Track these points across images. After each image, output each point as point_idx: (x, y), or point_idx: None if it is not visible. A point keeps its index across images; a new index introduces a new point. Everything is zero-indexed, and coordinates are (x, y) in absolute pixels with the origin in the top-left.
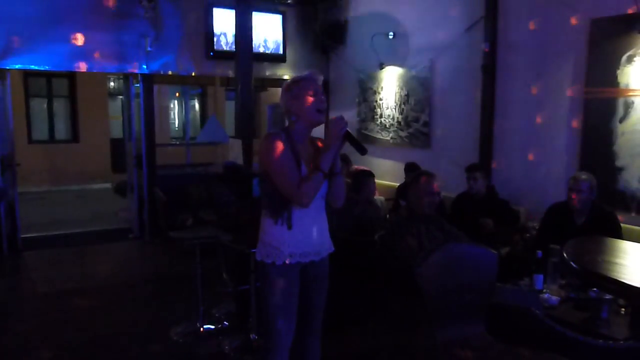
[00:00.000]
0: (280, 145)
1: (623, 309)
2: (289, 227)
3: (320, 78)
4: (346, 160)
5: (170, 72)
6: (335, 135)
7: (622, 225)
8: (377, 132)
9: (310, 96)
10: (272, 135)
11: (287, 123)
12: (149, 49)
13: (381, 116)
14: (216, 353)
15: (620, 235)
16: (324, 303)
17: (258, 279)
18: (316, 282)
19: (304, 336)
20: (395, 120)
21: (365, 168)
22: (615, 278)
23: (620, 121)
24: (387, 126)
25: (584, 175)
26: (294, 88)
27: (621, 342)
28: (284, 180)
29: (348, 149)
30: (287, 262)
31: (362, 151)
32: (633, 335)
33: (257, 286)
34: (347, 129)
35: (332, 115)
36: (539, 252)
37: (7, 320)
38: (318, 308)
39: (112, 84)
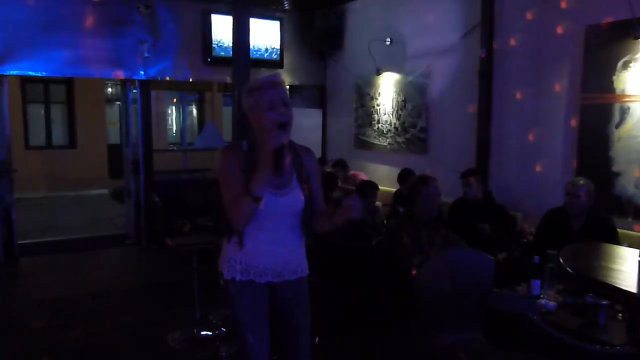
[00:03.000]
0: (228, 158)
1: (620, 315)
2: (240, 246)
3: (279, 81)
4: (343, 165)
5: (167, 78)
6: (270, 153)
7: (618, 230)
8: (375, 137)
9: (267, 110)
10: (226, 147)
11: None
12: (146, 54)
13: (378, 122)
14: (213, 359)
15: (617, 240)
16: (307, 324)
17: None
18: (291, 306)
19: (290, 355)
20: (393, 125)
21: (361, 173)
22: (612, 284)
23: (617, 127)
24: (385, 132)
25: (581, 181)
26: (250, 99)
27: (618, 347)
28: (224, 196)
29: (346, 154)
30: (237, 278)
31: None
32: (630, 340)
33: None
34: (282, 142)
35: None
36: (536, 258)
37: (5, 327)
38: (299, 329)
39: (109, 89)
